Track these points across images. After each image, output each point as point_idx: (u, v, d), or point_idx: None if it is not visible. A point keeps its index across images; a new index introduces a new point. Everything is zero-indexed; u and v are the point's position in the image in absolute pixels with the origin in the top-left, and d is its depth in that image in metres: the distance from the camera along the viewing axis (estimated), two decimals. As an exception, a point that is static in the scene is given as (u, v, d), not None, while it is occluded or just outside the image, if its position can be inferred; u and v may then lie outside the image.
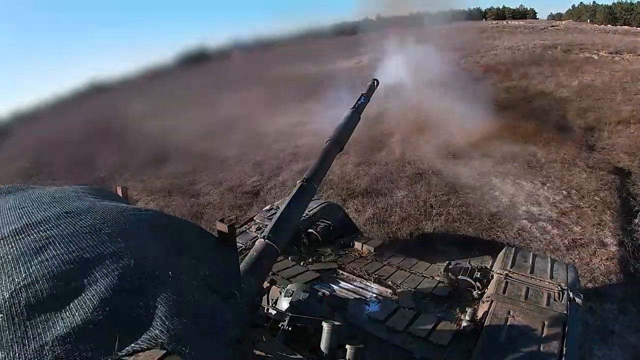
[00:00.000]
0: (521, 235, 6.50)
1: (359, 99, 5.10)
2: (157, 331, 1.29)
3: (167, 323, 1.32)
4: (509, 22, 48.27)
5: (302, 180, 3.62)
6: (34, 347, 1.14)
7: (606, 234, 6.36)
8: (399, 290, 3.85)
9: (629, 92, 13.59)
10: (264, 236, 2.97)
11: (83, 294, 1.32)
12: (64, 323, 1.22)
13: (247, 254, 2.90)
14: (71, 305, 1.28)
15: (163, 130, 12.95)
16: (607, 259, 5.79)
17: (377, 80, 5.76)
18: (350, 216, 6.35)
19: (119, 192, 3.32)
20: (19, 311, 1.21)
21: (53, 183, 10.84)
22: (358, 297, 3.67)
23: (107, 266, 1.45)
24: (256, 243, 2.97)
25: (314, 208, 5.22)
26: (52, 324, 1.22)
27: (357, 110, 4.90)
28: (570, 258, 5.83)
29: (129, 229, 1.72)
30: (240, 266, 2.71)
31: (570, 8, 62.65)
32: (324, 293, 3.25)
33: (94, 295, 1.33)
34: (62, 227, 1.61)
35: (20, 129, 16.01)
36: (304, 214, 4.32)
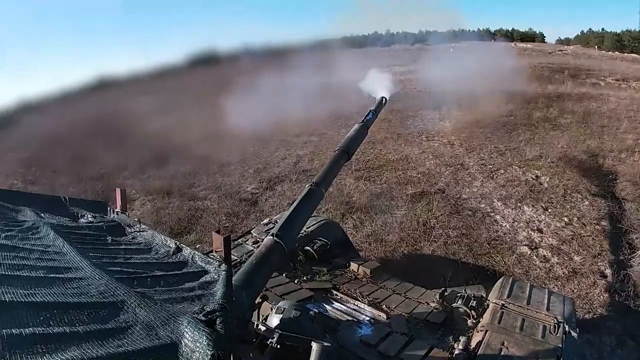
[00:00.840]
0: (521, 262, 6.40)
1: (367, 114, 5.19)
2: None
3: None
4: (518, 44, 48.62)
5: (311, 184, 3.71)
6: None
7: (606, 265, 6.27)
8: (392, 314, 3.77)
9: (635, 121, 13.56)
10: (272, 233, 3.08)
11: None
12: None
13: (240, 268, 2.87)
14: None
15: (167, 130, 12.94)
16: (606, 290, 5.70)
17: (385, 98, 5.82)
18: (348, 233, 6.28)
19: (118, 195, 3.30)
20: None
21: (53, 175, 10.84)
22: (351, 319, 3.60)
23: None
24: (265, 239, 3.11)
25: (312, 225, 5.16)
26: None
27: (366, 125, 4.97)
28: (570, 288, 5.73)
29: None
30: (246, 262, 2.88)
31: (579, 34, 62.92)
32: (315, 312, 3.17)
33: None
34: None
35: (24, 119, 16.03)
36: (302, 231, 4.28)
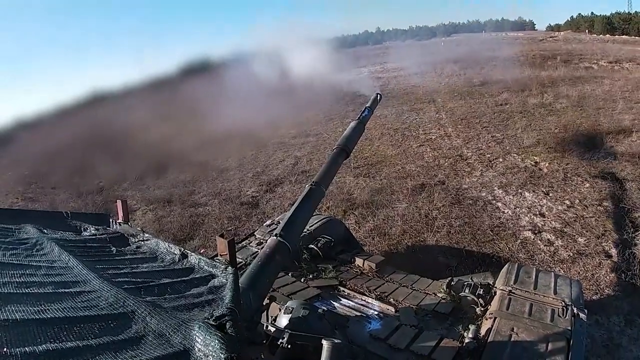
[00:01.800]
0: (525, 247, 6.41)
1: (363, 111, 5.27)
2: None
3: None
4: (508, 34, 48.69)
5: (311, 184, 3.78)
6: None
7: (611, 245, 6.26)
8: (400, 307, 3.77)
9: (630, 101, 13.57)
10: (276, 234, 3.14)
11: None
12: None
13: (245, 270, 2.89)
14: None
15: (164, 139, 12.97)
16: (612, 270, 5.69)
17: (380, 95, 5.89)
18: (350, 229, 6.28)
19: (119, 206, 3.31)
20: None
21: (52, 191, 10.86)
22: (359, 314, 3.60)
23: None
24: (269, 240, 3.16)
25: (315, 223, 5.17)
26: None
27: (362, 121, 5.04)
28: (575, 270, 5.73)
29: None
30: (252, 264, 2.93)
31: (569, 19, 62.96)
32: (324, 310, 3.18)
33: None
34: None
35: (21, 136, 16.07)
36: (305, 230, 4.30)
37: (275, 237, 3.13)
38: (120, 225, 3.25)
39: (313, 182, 3.84)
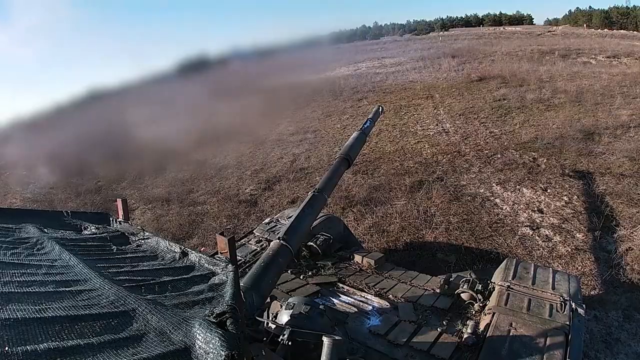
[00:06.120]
0: (523, 243, 6.43)
1: (365, 123, 5.40)
2: None
3: None
4: (506, 28, 48.60)
5: (314, 191, 3.95)
6: None
7: (609, 241, 6.29)
8: (399, 303, 3.79)
9: (628, 96, 13.56)
10: (279, 237, 3.30)
11: None
12: None
13: (247, 269, 2.93)
14: None
15: (162, 138, 12.95)
16: (610, 266, 5.72)
17: (382, 107, 6.10)
18: (349, 226, 6.30)
19: (119, 205, 3.33)
20: None
21: (51, 191, 10.85)
22: (358, 310, 3.62)
23: None
24: (272, 243, 3.31)
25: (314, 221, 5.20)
26: None
27: (364, 132, 5.20)
28: (574, 266, 5.76)
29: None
30: (255, 265, 3.07)
31: (567, 13, 62.97)
32: (324, 305, 3.20)
33: None
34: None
35: (18, 136, 16.04)
36: None
37: (278, 241, 3.28)
38: (120, 223, 3.27)
39: (316, 189, 3.99)
